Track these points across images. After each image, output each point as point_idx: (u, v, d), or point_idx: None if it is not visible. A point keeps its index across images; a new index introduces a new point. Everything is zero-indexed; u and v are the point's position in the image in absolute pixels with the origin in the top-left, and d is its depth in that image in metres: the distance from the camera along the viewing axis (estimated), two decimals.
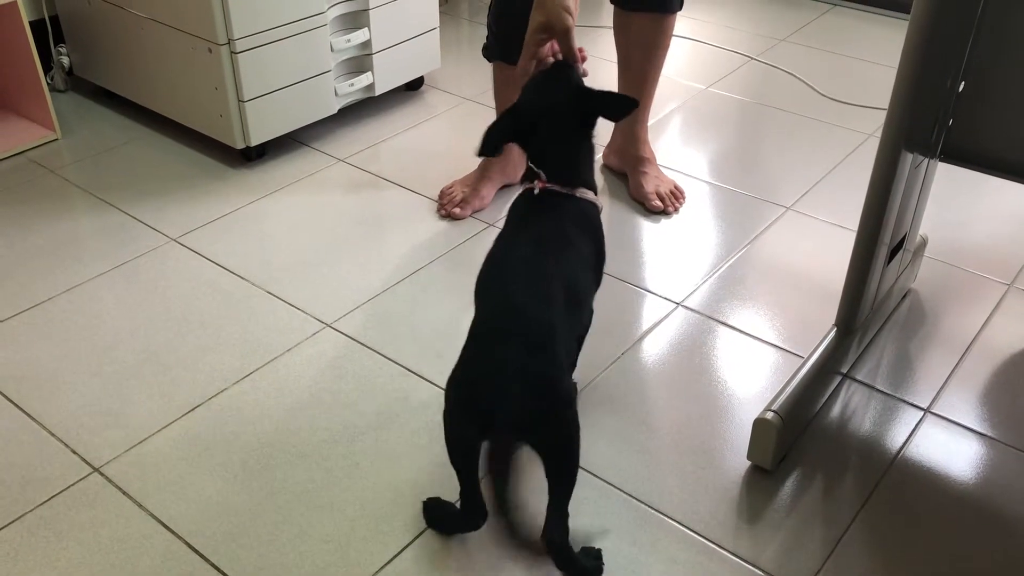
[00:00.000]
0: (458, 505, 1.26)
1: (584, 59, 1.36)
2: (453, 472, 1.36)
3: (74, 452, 1.39)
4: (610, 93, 1.29)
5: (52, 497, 1.32)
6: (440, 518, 1.29)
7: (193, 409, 1.47)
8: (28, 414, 1.46)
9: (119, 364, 1.56)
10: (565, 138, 1.28)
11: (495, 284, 1.20)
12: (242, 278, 1.77)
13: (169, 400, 1.49)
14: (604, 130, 2.10)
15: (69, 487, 1.34)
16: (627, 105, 1.28)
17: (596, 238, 1.30)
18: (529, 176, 1.30)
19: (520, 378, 1.09)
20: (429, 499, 1.30)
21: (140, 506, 1.31)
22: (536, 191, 1.26)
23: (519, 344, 1.11)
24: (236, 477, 1.35)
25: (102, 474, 1.36)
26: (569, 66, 1.32)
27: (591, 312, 1.35)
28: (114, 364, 1.56)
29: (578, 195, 1.27)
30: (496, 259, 1.24)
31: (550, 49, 1.35)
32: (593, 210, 1.29)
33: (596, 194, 1.30)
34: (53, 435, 1.42)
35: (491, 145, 1.28)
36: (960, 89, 1.48)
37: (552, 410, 1.12)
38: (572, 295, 1.20)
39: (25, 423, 1.45)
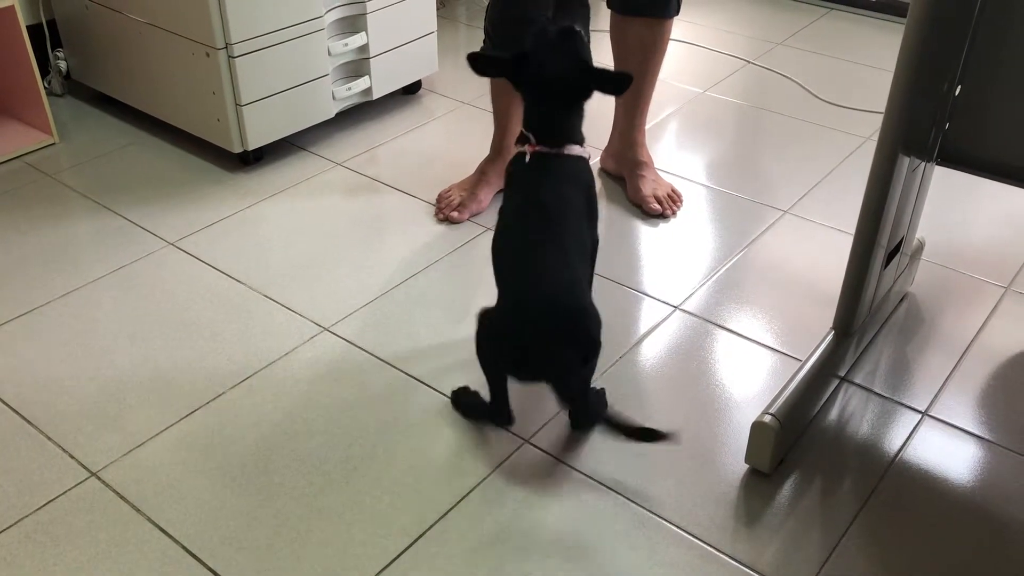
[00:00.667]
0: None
1: None
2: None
3: (71, 457, 1.39)
4: (609, 71, 1.37)
5: (49, 502, 1.32)
6: (469, 405, 1.44)
7: (191, 413, 1.47)
8: (25, 419, 1.46)
9: (117, 368, 1.56)
10: (559, 106, 1.38)
11: (515, 257, 1.34)
12: (240, 282, 1.77)
13: (167, 404, 1.49)
14: (601, 134, 2.10)
15: (66, 492, 1.33)
16: (624, 82, 1.35)
17: (587, 189, 1.41)
18: (522, 138, 1.39)
19: (556, 339, 1.28)
20: (457, 388, 1.45)
21: (137, 511, 1.31)
22: (527, 157, 1.36)
23: (551, 314, 1.28)
24: (234, 481, 1.35)
25: (99, 479, 1.36)
26: (576, 34, 1.38)
27: (597, 241, 1.46)
28: (112, 368, 1.56)
29: (566, 152, 1.37)
30: (508, 233, 1.37)
31: None
32: (581, 163, 1.39)
33: (583, 144, 1.39)
34: (50, 440, 1.42)
35: (481, 67, 1.39)
36: (956, 93, 1.48)
37: (580, 364, 1.32)
38: (576, 241, 1.36)
39: (22, 428, 1.44)
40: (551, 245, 1.32)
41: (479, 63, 1.38)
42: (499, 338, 1.33)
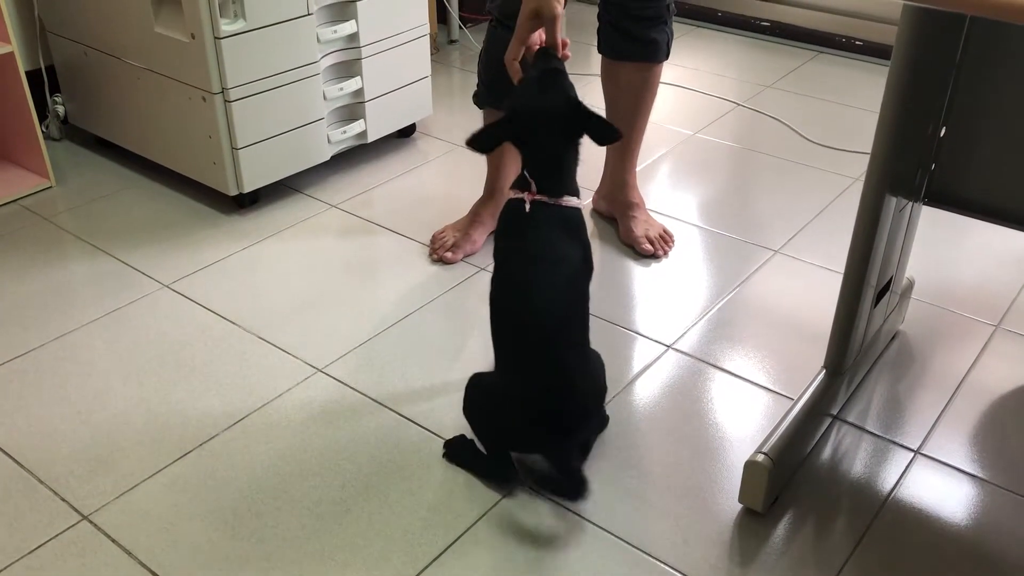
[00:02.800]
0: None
1: (566, 45, 1.42)
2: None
3: (63, 500, 1.39)
4: (599, 118, 1.35)
5: (40, 546, 1.31)
6: (466, 457, 1.43)
7: (184, 455, 1.47)
8: (17, 461, 1.46)
9: (110, 411, 1.56)
10: (555, 148, 1.35)
11: (532, 332, 1.31)
12: (234, 323, 1.78)
13: (159, 446, 1.49)
14: (593, 175, 2.12)
15: (58, 535, 1.33)
16: (612, 135, 1.34)
17: (583, 240, 1.39)
18: (520, 183, 1.35)
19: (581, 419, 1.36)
20: (452, 439, 1.45)
21: (129, 554, 1.30)
22: (527, 206, 1.33)
23: (579, 401, 1.34)
24: (226, 523, 1.35)
25: (91, 522, 1.35)
26: (562, 72, 1.36)
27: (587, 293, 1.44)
28: (105, 411, 1.56)
29: (563, 204, 1.35)
30: (517, 295, 1.33)
31: (538, 37, 1.43)
32: (578, 214, 1.38)
33: (579, 197, 1.38)
34: (42, 483, 1.42)
35: (483, 144, 1.37)
36: (942, 134, 1.50)
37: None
38: (579, 297, 1.37)
39: (14, 471, 1.44)
40: (568, 320, 1.33)
41: (481, 141, 1.35)
42: (515, 416, 1.33)
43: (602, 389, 1.43)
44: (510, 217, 1.38)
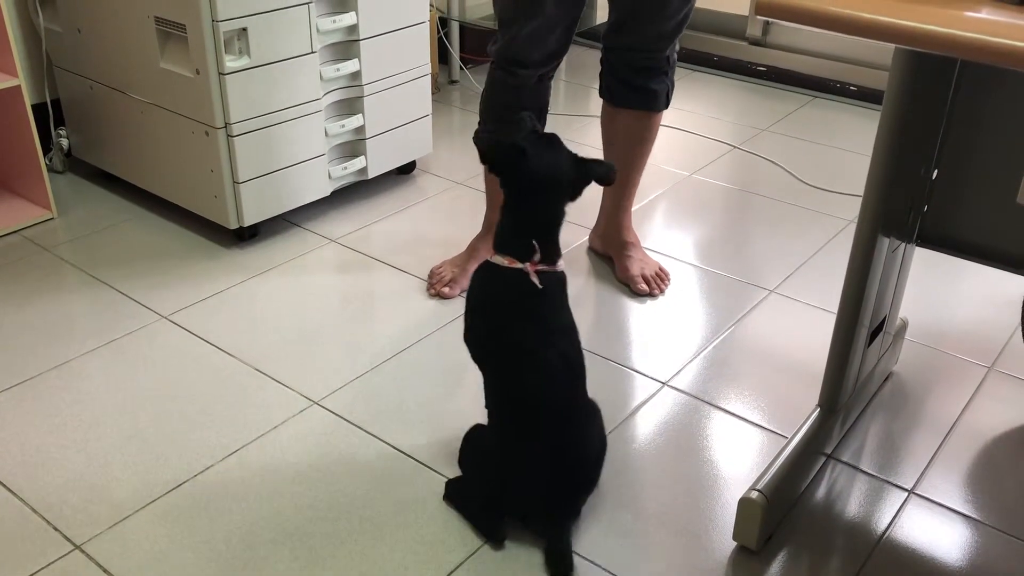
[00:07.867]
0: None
1: None
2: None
3: (55, 529, 1.38)
4: (596, 161, 1.36)
5: (32, 575, 1.30)
6: (464, 503, 1.42)
7: (178, 486, 1.47)
8: (10, 490, 1.45)
9: (105, 440, 1.56)
10: (557, 213, 1.36)
11: (556, 404, 1.35)
12: (231, 355, 1.78)
13: (154, 476, 1.48)
14: (588, 214, 2.15)
15: (49, 565, 1.32)
16: (610, 174, 1.36)
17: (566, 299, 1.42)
18: (511, 249, 1.33)
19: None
20: (452, 479, 1.45)
21: None
22: (535, 278, 1.32)
23: (591, 471, 1.42)
24: (219, 555, 1.34)
25: (83, 551, 1.34)
26: (558, 138, 1.37)
27: None
28: (100, 440, 1.56)
29: (558, 269, 1.37)
30: (545, 372, 1.34)
31: None
32: (565, 277, 1.39)
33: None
34: (35, 511, 1.41)
35: (493, 156, 1.35)
36: (934, 176, 1.53)
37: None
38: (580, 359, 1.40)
39: (7, 499, 1.43)
40: (582, 389, 1.39)
41: (493, 152, 1.34)
42: (521, 484, 1.36)
43: (604, 450, 1.45)
44: (518, 293, 1.33)
